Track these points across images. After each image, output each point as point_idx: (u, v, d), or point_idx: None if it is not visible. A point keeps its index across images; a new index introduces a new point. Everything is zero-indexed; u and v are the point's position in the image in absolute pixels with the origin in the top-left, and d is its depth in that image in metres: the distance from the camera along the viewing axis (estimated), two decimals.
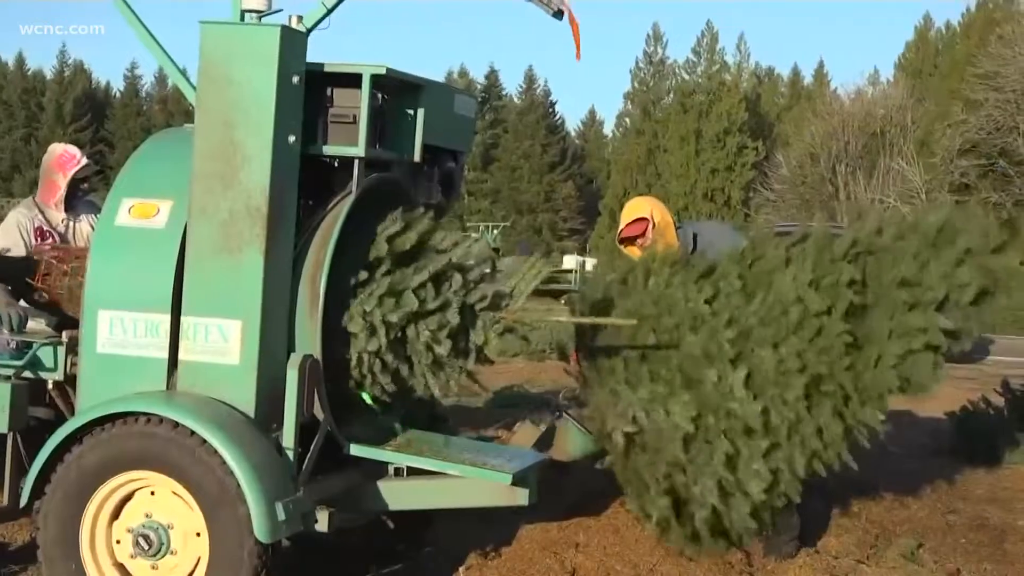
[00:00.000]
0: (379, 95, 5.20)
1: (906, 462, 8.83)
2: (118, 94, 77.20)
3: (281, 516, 4.63)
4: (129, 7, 5.55)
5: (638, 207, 6.34)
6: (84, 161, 6.49)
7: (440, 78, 5.54)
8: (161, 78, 73.14)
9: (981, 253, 5.20)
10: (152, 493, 4.85)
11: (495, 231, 42.02)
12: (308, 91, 4.98)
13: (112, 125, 72.60)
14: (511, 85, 79.08)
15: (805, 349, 5.12)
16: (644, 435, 5.26)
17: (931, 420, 10.73)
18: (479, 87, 72.27)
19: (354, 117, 5.04)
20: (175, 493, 4.79)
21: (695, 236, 6.25)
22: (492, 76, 76.20)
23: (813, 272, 5.16)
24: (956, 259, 5.19)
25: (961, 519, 7.16)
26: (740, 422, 5.15)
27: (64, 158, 6.46)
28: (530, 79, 74.95)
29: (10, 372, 5.19)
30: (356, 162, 5.10)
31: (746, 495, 5.21)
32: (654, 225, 6.16)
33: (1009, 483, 8.25)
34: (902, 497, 7.29)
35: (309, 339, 4.99)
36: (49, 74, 74.73)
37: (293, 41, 4.91)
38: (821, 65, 78.94)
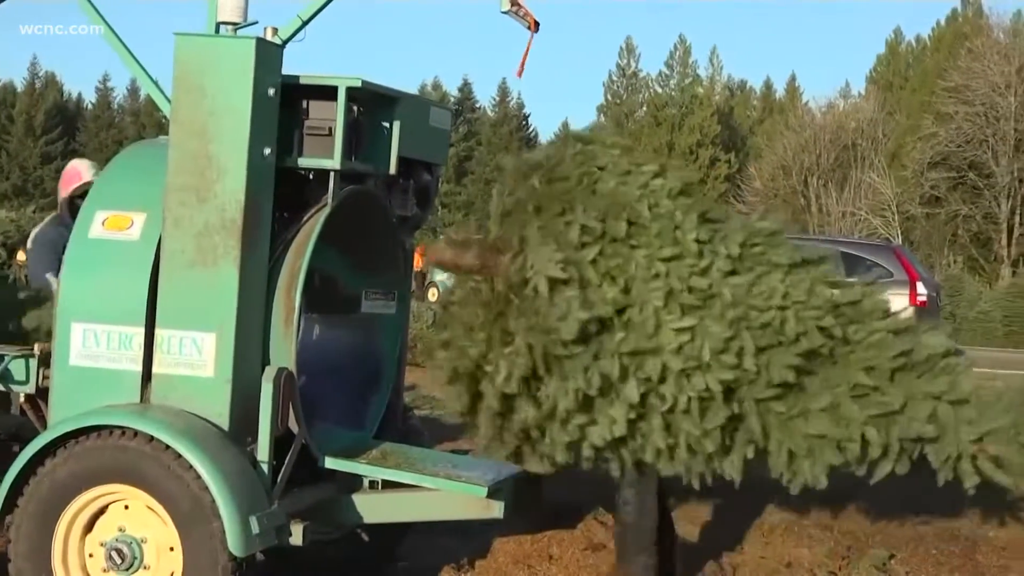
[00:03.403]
0: (355, 107, 5.20)
1: None
2: (90, 106, 76.89)
3: (255, 530, 4.62)
4: (104, 20, 5.54)
5: None
6: (87, 179, 6.49)
7: (414, 90, 5.55)
8: (134, 90, 72.90)
9: None
10: (126, 507, 4.82)
11: None
12: (283, 103, 4.98)
13: (84, 137, 72.24)
14: (485, 97, 79.01)
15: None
16: None
17: None
18: (453, 99, 72.24)
19: (330, 129, 5.04)
20: (149, 507, 4.76)
21: None
22: (466, 88, 76.25)
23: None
24: None
25: (932, 530, 7.19)
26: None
27: (67, 176, 6.62)
28: (504, 92, 75.01)
29: None
30: (331, 174, 5.09)
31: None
32: None
33: (980, 494, 8.28)
34: (874, 508, 7.31)
35: (284, 352, 4.98)
36: (20, 86, 74.41)
37: (268, 53, 4.91)
38: (793, 78, 79.20)
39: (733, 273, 4.54)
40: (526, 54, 5.70)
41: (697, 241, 4.55)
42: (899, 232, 44.49)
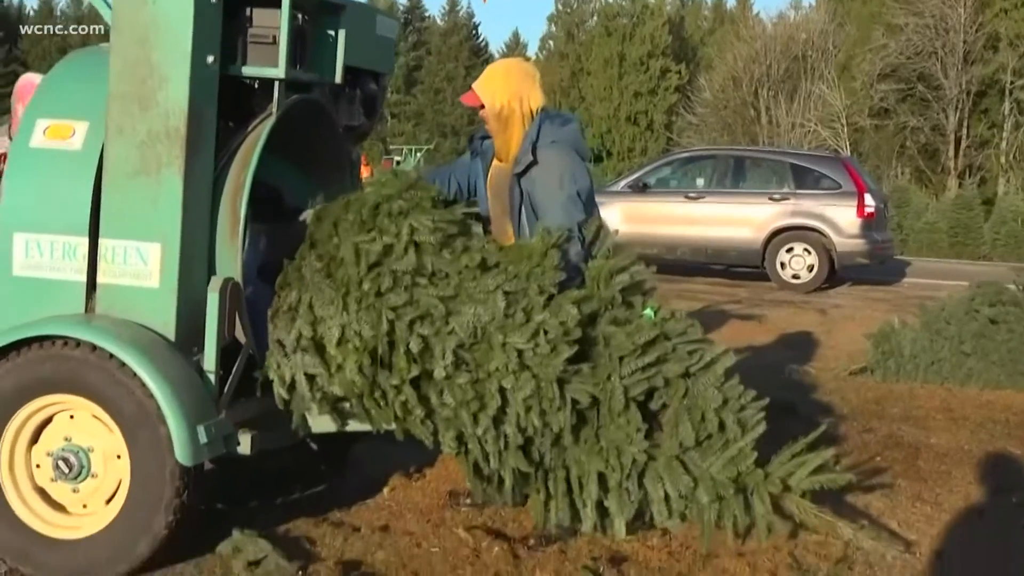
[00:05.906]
0: (299, 15, 5.13)
1: (824, 382, 9.00)
2: (32, 13, 75.43)
3: (203, 439, 4.62)
4: None
5: (486, 80, 5.27)
6: None
7: None
8: None
9: None
10: (71, 417, 4.80)
11: (419, 154, 41.78)
12: (227, 11, 4.89)
13: (25, 44, 70.90)
14: (434, 7, 78.36)
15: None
16: None
17: (849, 340, 10.95)
18: (402, 8, 71.51)
19: (274, 38, 4.96)
20: (95, 416, 4.75)
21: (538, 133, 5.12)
22: None
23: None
24: None
25: (876, 437, 7.33)
26: None
27: (23, 89, 6.47)
28: (453, 1, 74.31)
29: None
30: (276, 83, 5.03)
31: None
32: (498, 110, 5.18)
33: (923, 402, 8.45)
34: (820, 416, 7.42)
35: (229, 262, 4.95)
36: None
37: None
38: None
39: None
40: None
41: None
42: (848, 144, 44.66)
